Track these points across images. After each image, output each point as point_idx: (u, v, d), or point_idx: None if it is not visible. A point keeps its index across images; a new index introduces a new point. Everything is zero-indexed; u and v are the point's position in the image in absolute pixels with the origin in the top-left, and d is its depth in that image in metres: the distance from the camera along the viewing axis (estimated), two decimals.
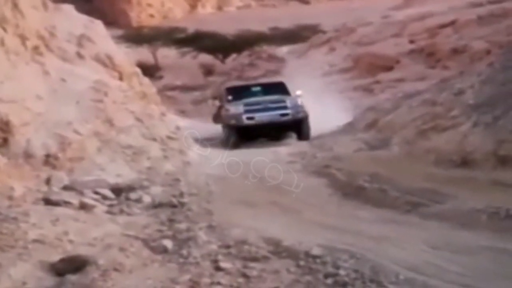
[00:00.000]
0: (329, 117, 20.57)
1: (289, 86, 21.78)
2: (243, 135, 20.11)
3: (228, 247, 6.63)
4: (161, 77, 38.41)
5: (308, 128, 20.19)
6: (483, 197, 8.49)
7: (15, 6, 11.67)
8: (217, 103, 23.66)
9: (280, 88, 21.89)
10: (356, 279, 5.61)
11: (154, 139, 12.92)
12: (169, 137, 13.66)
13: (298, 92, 21.07)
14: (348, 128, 18.96)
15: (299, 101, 20.57)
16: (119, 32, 41.31)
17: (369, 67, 30.77)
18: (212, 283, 5.69)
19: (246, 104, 20.41)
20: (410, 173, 10.71)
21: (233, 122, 20.28)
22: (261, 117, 20.06)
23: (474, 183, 9.56)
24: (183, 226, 7.50)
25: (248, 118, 20.16)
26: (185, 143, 14.33)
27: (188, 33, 47.07)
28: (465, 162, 10.85)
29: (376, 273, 5.69)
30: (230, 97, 21.26)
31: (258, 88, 22.64)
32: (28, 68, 11.45)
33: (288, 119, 20.07)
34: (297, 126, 20.14)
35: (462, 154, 11.02)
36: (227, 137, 20.27)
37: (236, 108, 20.46)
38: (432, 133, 12.93)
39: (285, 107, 20.21)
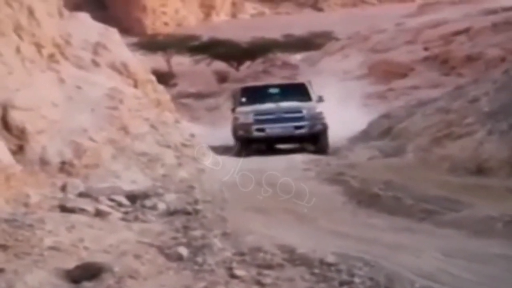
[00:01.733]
0: (344, 125, 19.67)
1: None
2: (252, 147, 18.69)
3: (242, 254, 6.63)
4: (175, 85, 38.46)
5: (326, 140, 18.30)
6: (498, 205, 8.45)
7: (31, 14, 11.75)
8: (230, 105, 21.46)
9: (300, 91, 19.68)
10: (371, 287, 5.60)
11: (169, 146, 12.96)
12: (184, 144, 13.69)
13: (320, 96, 19.26)
14: (363, 136, 18.94)
15: (318, 110, 18.59)
16: (134, 39, 41.40)
17: (383, 75, 30.70)
18: None
19: (257, 113, 18.61)
20: (425, 181, 10.67)
21: (241, 133, 18.65)
22: (272, 129, 18.30)
23: (489, 191, 9.53)
24: (197, 233, 7.51)
25: (258, 130, 18.43)
26: (199, 150, 14.35)
27: (202, 41, 47.12)
28: (480, 170, 10.82)
29: (391, 281, 5.68)
30: (243, 99, 19.48)
31: (276, 90, 20.36)
32: (43, 75, 11.51)
33: (303, 133, 18.28)
34: (314, 139, 18.40)
35: (477, 162, 10.99)
36: (237, 148, 18.60)
37: (245, 117, 18.74)
38: (447, 140, 12.91)
39: (301, 118, 18.28)
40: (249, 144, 18.60)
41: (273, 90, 20.29)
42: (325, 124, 18.28)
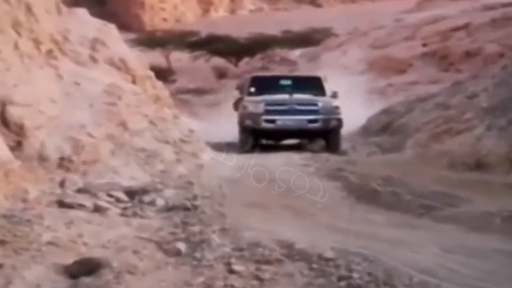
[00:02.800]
0: (345, 120, 19.35)
1: None
2: (259, 140, 17.32)
3: (241, 250, 6.63)
4: (174, 81, 38.52)
5: (338, 138, 17.07)
6: (496, 200, 8.47)
7: (29, 10, 11.74)
8: (237, 94, 19.92)
9: (314, 85, 18.29)
10: (370, 282, 5.60)
11: (167, 142, 12.96)
12: (182, 140, 13.70)
13: (334, 91, 17.88)
14: (362, 131, 18.95)
15: (334, 104, 17.29)
16: (132, 35, 41.45)
17: (382, 70, 30.73)
18: (225, 286, 5.69)
19: (268, 103, 17.17)
20: (424, 176, 10.69)
21: (248, 123, 17.08)
22: (284, 121, 16.89)
23: (488, 187, 9.55)
24: (196, 229, 7.51)
25: (268, 121, 16.93)
26: (198, 146, 14.35)
27: (201, 37, 47.21)
28: (478, 166, 10.84)
29: (390, 276, 5.68)
30: (252, 89, 18.06)
31: (288, 82, 18.89)
32: (42, 71, 11.50)
33: (317, 127, 16.94)
34: (327, 135, 17.08)
35: (475, 158, 11.00)
36: (241, 140, 17.15)
37: (255, 106, 17.22)
38: (446, 136, 12.93)
39: (315, 112, 16.94)
40: (255, 137, 17.21)
41: (285, 82, 19.00)
42: (341, 120, 17.04)
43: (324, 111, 16.98)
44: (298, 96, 17.40)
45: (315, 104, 17.12)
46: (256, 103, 17.32)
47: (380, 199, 9.45)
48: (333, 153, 16.07)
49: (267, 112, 17.03)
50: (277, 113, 17.00)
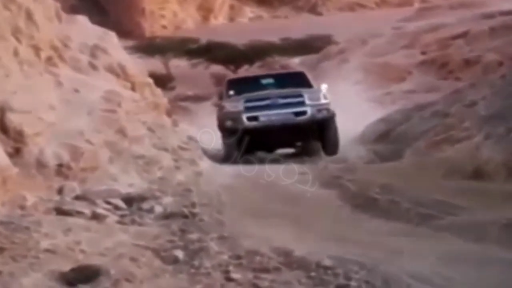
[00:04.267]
0: (341, 128, 18.98)
1: None
2: (242, 143, 15.09)
3: (239, 257, 6.63)
4: (173, 88, 38.52)
5: (335, 134, 15.63)
6: (495, 209, 8.46)
7: (29, 17, 11.75)
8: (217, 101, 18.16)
9: (299, 80, 16.89)
10: None
11: (166, 149, 12.97)
12: (181, 147, 13.71)
13: (324, 86, 16.43)
14: (360, 139, 18.94)
15: (322, 95, 15.74)
16: (132, 42, 41.46)
17: (381, 78, 30.77)
18: None
19: (247, 100, 15.58)
20: (422, 185, 10.68)
21: (228, 124, 15.41)
22: (267, 116, 15.19)
23: (487, 195, 9.53)
24: (194, 236, 7.51)
25: (250, 119, 15.26)
26: (196, 153, 14.33)
27: (200, 44, 47.23)
28: (477, 174, 10.82)
29: (388, 285, 5.68)
30: (231, 92, 16.40)
31: (270, 81, 17.33)
32: (41, 78, 11.51)
33: (306, 120, 15.28)
34: (320, 131, 15.49)
35: (474, 166, 10.99)
36: (225, 147, 15.43)
37: (233, 105, 15.63)
38: (444, 144, 12.92)
39: (301, 103, 15.37)
40: (240, 139, 15.10)
41: (266, 81, 17.42)
42: (331, 110, 15.54)
43: (311, 102, 15.47)
44: (280, 90, 16.06)
45: (300, 95, 15.60)
46: (234, 102, 15.78)
47: (378, 208, 9.43)
48: (332, 155, 15.26)
49: (248, 109, 15.43)
50: (259, 109, 15.45)
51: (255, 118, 15.33)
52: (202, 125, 19.86)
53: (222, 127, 15.79)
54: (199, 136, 15.80)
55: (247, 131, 15.15)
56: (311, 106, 15.38)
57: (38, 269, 6.11)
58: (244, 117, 15.27)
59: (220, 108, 16.21)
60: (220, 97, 17.56)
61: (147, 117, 13.73)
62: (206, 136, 16.37)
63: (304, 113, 15.29)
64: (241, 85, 17.00)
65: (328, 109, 15.50)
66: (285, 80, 17.26)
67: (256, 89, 16.30)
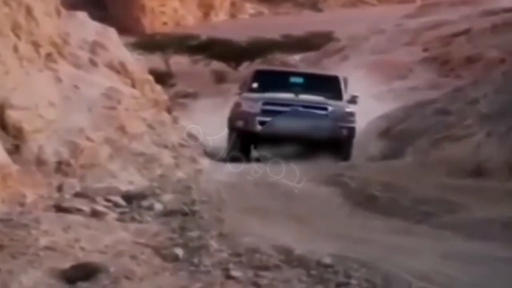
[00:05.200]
0: None
1: None
2: (250, 147, 14.50)
3: (239, 255, 6.61)
4: (173, 85, 38.51)
5: (349, 151, 14.69)
6: (496, 207, 8.46)
7: (29, 13, 11.72)
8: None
9: (330, 86, 15.57)
10: None
11: (166, 147, 12.95)
12: (181, 145, 13.68)
13: (354, 95, 15.52)
14: (361, 137, 18.89)
15: (348, 110, 14.81)
16: (132, 39, 41.44)
17: (382, 76, 30.72)
18: None
19: (266, 102, 14.52)
20: (423, 183, 10.66)
21: (240, 125, 14.57)
22: (283, 125, 14.16)
23: (488, 193, 9.52)
24: (194, 234, 7.49)
25: (263, 123, 14.24)
26: (196, 151, 14.29)
27: (201, 40, 47.28)
28: (478, 172, 10.81)
29: (388, 283, 5.66)
30: (254, 85, 15.11)
31: (299, 80, 16.04)
32: (41, 75, 11.48)
33: (323, 136, 14.26)
34: (336, 147, 14.38)
35: (475, 164, 10.97)
36: (229, 146, 14.72)
37: (250, 105, 14.63)
38: (446, 142, 12.90)
39: (323, 117, 14.42)
40: (247, 144, 14.59)
41: (295, 79, 16.11)
42: (353, 129, 14.66)
43: (334, 117, 14.45)
44: (305, 96, 14.89)
45: (324, 108, 14.56)
46: (252, 101, 14.72)
47: (379, 205, 9.42)
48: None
49: (264, 112, 14.42)
50: (277, 114, 14.37)
51: (269, 124, 14.31)
52: (199, 121, 19.55)
53: (232, 126, 14.91)
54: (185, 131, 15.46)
55: (257, 135, 14.43)
56: (333, 121, 14.42)
57: (38, 266, 6.09)
58: (257, 120, 14.37)
59: (235, 104, 15.18)
60: (241, 88, 16.52)
61: (147, 114, 13.71)
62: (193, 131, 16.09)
63: (323, 129, 14.28)
64: (267, 79, 15.75)
65: (349, 128, 14.54)
66: (315, 83, 15.92)
67: (282, 87, 15.22)
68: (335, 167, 13.25)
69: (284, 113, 14.36)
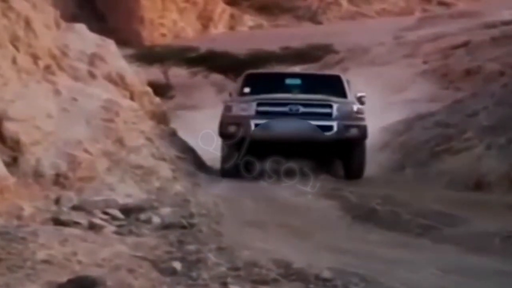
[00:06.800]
0: None
1: None
2: (244, 153, 12.55)
3: (237, 269, 6.56)
4: (172, 97, 38.47)
5: (362, 156, 12.99)
6: (496, 220, 8.43)
7: (27, 25, 11.72)
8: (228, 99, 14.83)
9: (333, 86, 13.83)
10: None
11: (164, 159, 12.89)
12: (179, 157, 13.63)
13: (360, 95, 14.06)
14: None
15: (356, 109, 13.02)
16: (131, 51, 41.41)
17: (382, 88, 30.71)
18: None
19: (261, 103, 12.75)
20: (423, 196, 10.64)
21: (232, 130, 12.70)
22: (282, 127, 12.40)
23: (488, 207, 9.50)
24: (192, 247, 7.44)
25: (260, 127, 12.50)
26: (195, 164, 14.25)
27: (200, 53, 47.19)
28: (478, 185, 10.79)
29: None
30: (246, 89, 13.66)
31: (296, 81, 14.23)
32: (39, 87, 11.47)
33: (330, 137, 12.48)
34: (346, 151, 12.78)
35: (475, 177, 10.96)
36: (223, 158, 13.01)
37: (241, 107, 12.86)
38: (445, 155, 12.87)
39: (328, 116, 12.58)
40: (239, 149, 12.63)
41: (291, 81, 14.31)
42: (365, 128, 12.85)
43: (341, 116, 12.70)
44: (306, 96, 13.18)
45: (328, 106, 12.75)
46: (244, 103, 13.00)
47: (379, 219, 9.39)
48: (354, 178, 12.76)
49: (259, 114, 12.68)
50: (274, 115, 12.68)
51: (266, 127, 12.59)
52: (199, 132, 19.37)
53: (223, 133, 13.07)
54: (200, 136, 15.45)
55: (254, 141, 12.59)
56: (339, 120, 12.67)
57: (35, 280, 6.05)
58: (252, 124, 12.56)
59: (226, 108, 13.26)
60: (233, 92, 15.01)
61: (146, 126, 13.66)
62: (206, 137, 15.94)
63: (329, 128, 12.53)
64: (261, 82, 14.08)
65: (359, 127, 12.77)
66: (315, 83, 14.28)
67: (277, 90, 13.43)
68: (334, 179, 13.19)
69: (282, 114, 12.64)
